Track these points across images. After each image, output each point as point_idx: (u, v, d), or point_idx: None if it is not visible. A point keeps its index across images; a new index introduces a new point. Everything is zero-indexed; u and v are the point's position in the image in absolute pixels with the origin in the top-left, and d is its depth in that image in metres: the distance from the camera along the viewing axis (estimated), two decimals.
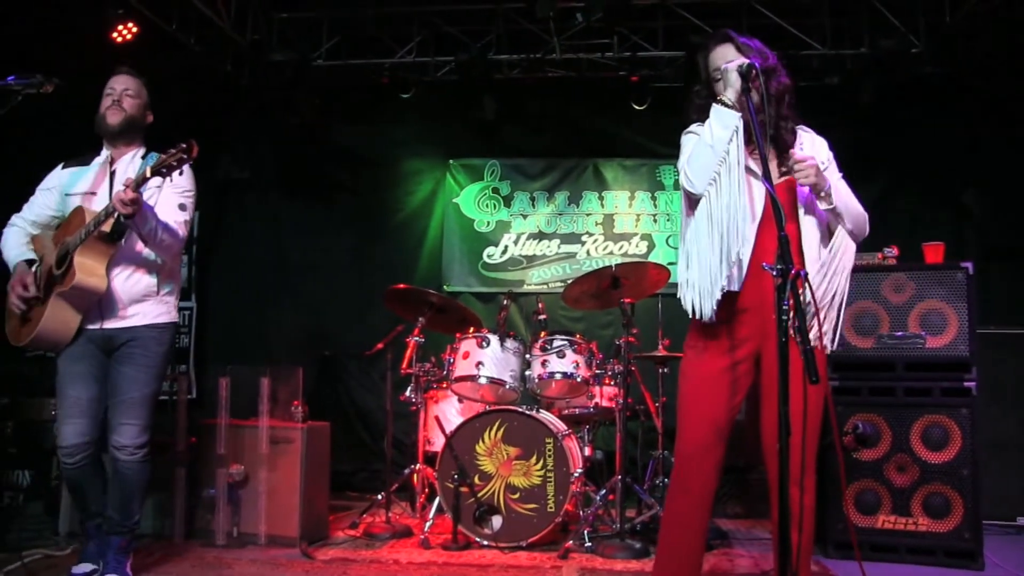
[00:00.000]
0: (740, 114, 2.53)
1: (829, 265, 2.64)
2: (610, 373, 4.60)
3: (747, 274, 2.57)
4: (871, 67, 5.81)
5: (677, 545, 2.71)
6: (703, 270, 2.57)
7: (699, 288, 2.58)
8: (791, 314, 2.17)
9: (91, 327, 3.34)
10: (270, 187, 6.89)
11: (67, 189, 3.46)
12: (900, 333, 4.03)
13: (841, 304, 2.67)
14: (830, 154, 2.77)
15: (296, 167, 6.85)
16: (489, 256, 6.69)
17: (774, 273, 2.20)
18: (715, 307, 2.55)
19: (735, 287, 2.56)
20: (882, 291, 4.09)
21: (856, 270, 4.04)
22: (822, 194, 2.61)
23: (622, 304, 4.35)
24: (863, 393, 4.06)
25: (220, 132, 6.77)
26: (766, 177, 2.37)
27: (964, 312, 3.97)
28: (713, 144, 2.54)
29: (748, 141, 2.58)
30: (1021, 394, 4.86)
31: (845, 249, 2.68)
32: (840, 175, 2.78)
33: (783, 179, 2.64)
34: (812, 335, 2.61)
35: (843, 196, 2.66)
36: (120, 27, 5.28)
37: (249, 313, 6.68)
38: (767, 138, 2.59)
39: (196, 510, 4.29)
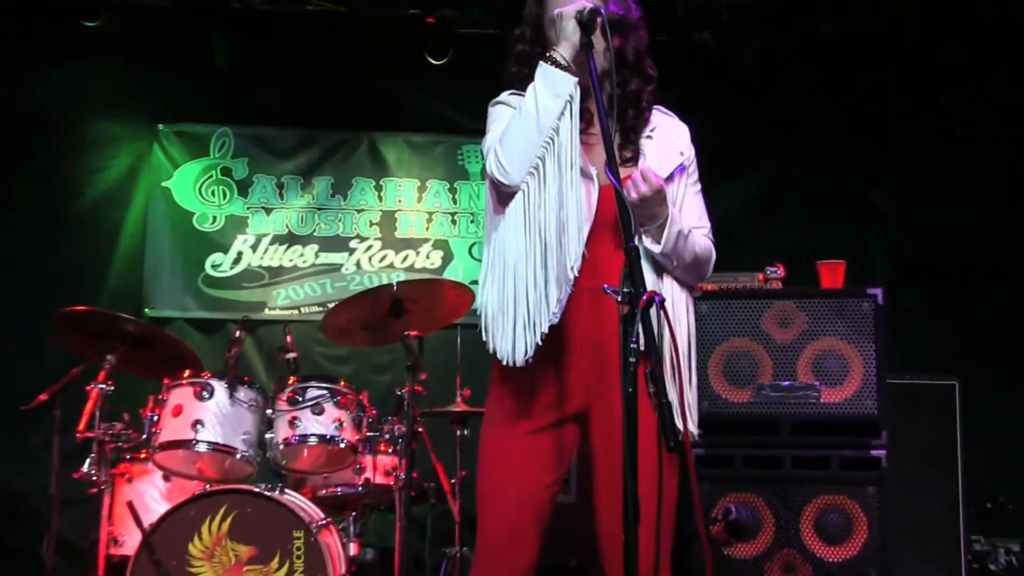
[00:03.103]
0: (577, 79, 2.55)
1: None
2: (388, 436, 4.58)
3: (576, 301, 2.58)
4: (754, 21, 6.07)
5: None
6: (516, 293, 2.55)
7: (508, 318, 2.56)
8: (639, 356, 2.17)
9: None
10: None
11: None
12: (787, 383, 4.16)
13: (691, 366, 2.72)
14: (692, 150, 2.82)
15: None
16: (215, 266, 6.60)
17: (619, 299, 2.20)
18: (538, 344, 2.54)
19: (556, 319, 2.54)
20: (763, 325, 4.19)
21: (728, 296, 4.20)
22: (652, 229, 2.60)
23: (406, 338, 4.35)
24: (736, 464, 4.15)
25: None
26: (610, 168, 2.37)
27: (871, 355, 4.09)
28: (538, 118, 2.53)
29: (583, 118, 2.60)
30: (943, 463, 4.82)
31: (675, 303, 2.68)
32: (697, 188, 2.82)
33: (626, 175, 2.62)
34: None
35: (680, 238, 2.64)
36: None
37: None
38: (613, 116, 2.62)
39: None
